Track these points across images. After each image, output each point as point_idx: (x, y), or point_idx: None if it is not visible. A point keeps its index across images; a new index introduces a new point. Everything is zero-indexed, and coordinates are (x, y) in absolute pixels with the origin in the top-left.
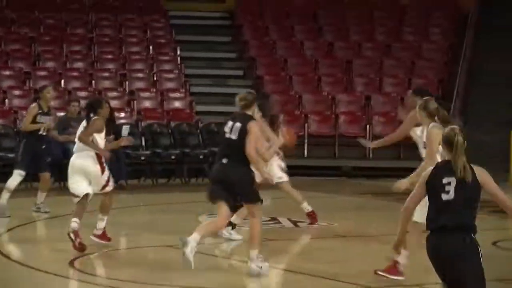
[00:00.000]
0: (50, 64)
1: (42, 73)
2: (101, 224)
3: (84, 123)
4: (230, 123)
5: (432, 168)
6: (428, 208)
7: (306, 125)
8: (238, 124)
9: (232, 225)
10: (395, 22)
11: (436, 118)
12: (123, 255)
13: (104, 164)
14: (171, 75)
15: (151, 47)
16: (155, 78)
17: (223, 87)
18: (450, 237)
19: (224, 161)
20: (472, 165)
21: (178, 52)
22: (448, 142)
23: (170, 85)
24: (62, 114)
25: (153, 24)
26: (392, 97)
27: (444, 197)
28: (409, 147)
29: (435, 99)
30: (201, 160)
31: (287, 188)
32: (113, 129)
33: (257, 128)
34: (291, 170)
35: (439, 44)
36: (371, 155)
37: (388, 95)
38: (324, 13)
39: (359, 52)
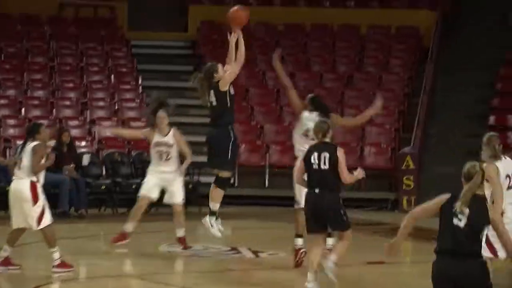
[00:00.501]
0: (10, 92)
1: (2, 101)
2: (56, 255)
3: (25, 149)
4: (315, 154)
5: (449, 194)
6: (439, 233)
7: (267, 155)
8: (326, 154)
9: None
10: (357, 53)
11: None
12: (83, 284)
13: (39, 196)
14: (132, 104)
15: (112, 76)
16: (116, 107)
17: (185, 116)
18: (461, 262)
19: (317, 190)
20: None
21: (140, 81)
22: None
23: (131, 114)
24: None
25: (115, 53)
26: (353, 127)
27: (456, 222)
28: (370, 178)
29: None
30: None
31: None
32: (74, 158)
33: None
34: (252, 200)
35: (399, 76)
36: None
37: None
38: (286, 43)
39: (320, 83)
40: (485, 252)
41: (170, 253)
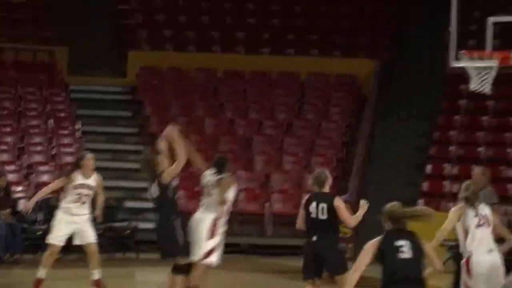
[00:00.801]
0: None
1: None
2: None
3: None
4: (313, 203)
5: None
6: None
7: None
8: (323, 205)
9: None
10: (296, 100)
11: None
12: None
13: None
14: (70, 149)
15: (51, 121)
16: (54, 152)
17: (123, 162)
18: None
19: (315, 238)
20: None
21: (79, 126)
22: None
23: (69, 159)
24: None
25: (54, 97)
26: (291, 174)
27: (401, 256)
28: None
29: None
30: (98, 235)
31: None
32: (9, 203)
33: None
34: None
35: (338, 124)
36: (269, 232)
37: (288, 172)
38: (225, 90)
39: (259, 130)
40: None
41: None
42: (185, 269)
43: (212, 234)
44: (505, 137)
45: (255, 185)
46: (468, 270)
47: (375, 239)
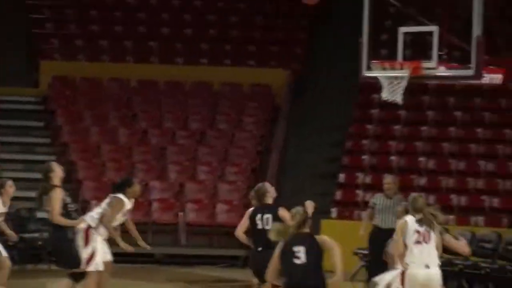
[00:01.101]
0: None
1: None
2: None
3: None
4: (259, 215)
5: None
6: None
7: None
8: (268, 215)
9: None
10: (209, 110)
11: None
12: None
13: None
14: None
15: None
16: None
17: (35, 172)
18: None
19: (260, 249)
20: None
21: None
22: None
23: None
24: None
25: None
26: (205, 184)
27: (296, 261)
28: (222, 235)
29: None
30: (9, 246)
31: None
32: None
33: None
34: None
35: (252, 133)
36: (184, 242)
37: (202, 182)
38: (139, 100)
39: (173, 139)
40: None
41: None
42: (80, 277)
43: (86, 242)
44: (416, 146)
45: (169, 195)
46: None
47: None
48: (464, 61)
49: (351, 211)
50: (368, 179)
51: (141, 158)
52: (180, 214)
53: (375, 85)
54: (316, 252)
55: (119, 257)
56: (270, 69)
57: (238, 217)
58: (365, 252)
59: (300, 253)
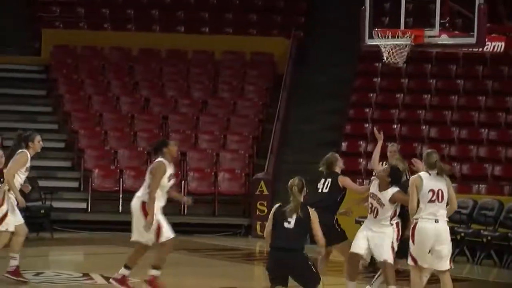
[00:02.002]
0: None
1: None
2: None
3: None
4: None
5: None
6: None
7: (121, 180)
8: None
9: None
10: (211, 79)
11: None
12: None
13: None
14: None
15: None
16: None
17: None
18: (290, 254)
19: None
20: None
21: None
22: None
23: None
24: None
25: None
26: (207, 153)
27: (286, 225)
28: (224, 204)
29: None
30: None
31: None
32: None
33: None
34: (107, 225)
35: (254, 102)
36: (185, 211)
37: (204, 151)
38: (140, 68)
39: (175, 108)
40: (409, 261)
41: (16, 280)
42: None
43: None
44: (419, 114)
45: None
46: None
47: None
48: (466, 29)
49: (353, 180)
50: (370, 148)
51: (143, 126)
52: (182, 183)
53: (377, 54)
54: (305, 221)
55: (121, 225)
56: (272, 38)
57: (239, 186)
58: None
59: (291, 220)
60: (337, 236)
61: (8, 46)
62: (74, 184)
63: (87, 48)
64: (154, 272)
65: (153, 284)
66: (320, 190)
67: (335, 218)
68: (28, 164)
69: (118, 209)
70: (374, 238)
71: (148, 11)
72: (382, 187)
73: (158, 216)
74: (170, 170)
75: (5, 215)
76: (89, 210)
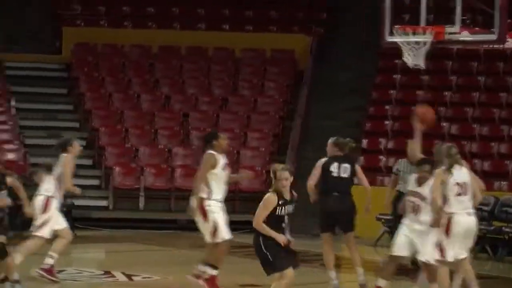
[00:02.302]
0: None
1: None
2: None
3: None
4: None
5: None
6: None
7: (142, 178)
8: (346, 165)
9: None
10: (231, 76)
11: None
12: None
13: None
14: (5, 127)
15: None
16: None
17: (58, 139)
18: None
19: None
20: None
21: (13, 103)
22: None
23: (3, 136)
24: None
25: None
26: (228, 150)
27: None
28: (243, 201)
29: None
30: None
31: None
32: None
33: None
34: (126, 223)
35: (274, 99)
36: None
37: None
38: (161, 66)
39: (195, 106)
40: (436, 255)
41: (42, 278)
42: None
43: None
44: (440, 111)
45: (191, 161)
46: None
47: None
48: (487, 26)
49: (373, 177)
50: (390, 144)
51: (164, 124)
52: None
53: (397, 51)
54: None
55: (142, 223)
56: (293, 34)
57: (260, 183)
58: (388, 217)
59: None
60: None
61: (30, 44)
62: (96, 182)
63: (107, 46)
64: (212, 271)
65: (211, 284)
66: (336, 174)
67: None
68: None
69: (138, 207)
70: (417, 237)
71: (168, 8)
72: (422, 182)
73: (216, 215)
74: (222, 161)
75: (46, 221)
76: (110, 207)
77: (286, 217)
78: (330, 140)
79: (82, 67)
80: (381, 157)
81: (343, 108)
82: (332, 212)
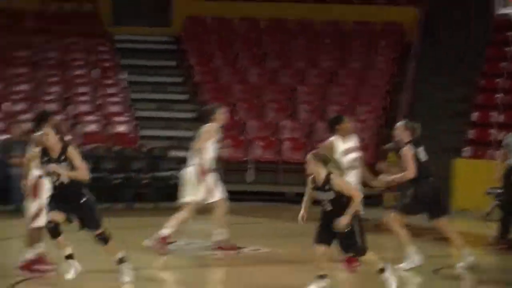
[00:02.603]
0: None
1: None
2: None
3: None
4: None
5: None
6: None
7: (250, 150)
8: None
9: None
10: (340, 49)
11: None
12: (63, 281)
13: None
14: (115, 99)
15: (96, 71)
16: (99, 102)
17: (168, 111)
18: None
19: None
20: None
21: (124, 76)
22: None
23: (114, 109)
24: (5, 136)
25: (98, 47)
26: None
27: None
28: None
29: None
30: (144, 185)
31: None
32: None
33: None
34: (234, 196)
35: (383, 72)
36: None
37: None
38: (269, 40)
39: (303, 79)
40: None
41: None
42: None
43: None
44: None
45: (299, 134)
46: None
47: None
48: None
49: (484, 150)
50: (501, 118)
51: (272, 97)
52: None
53: (510, 23)
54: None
55: (248, 195)
56: (401, 7)
57: (369, 156)
58: (499, 191)
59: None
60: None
61: (139, 17)
62: None
63: (217, 19)
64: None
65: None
66: (423, 159)
67: None
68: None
69: (245, 180)
70: None
71: None
72: None
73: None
74: (347, 144)
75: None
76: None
77: None
78: (401, 124)
79: (191, 40)
80: (491, 130)
81: (452, 81)
82: (430, 197)
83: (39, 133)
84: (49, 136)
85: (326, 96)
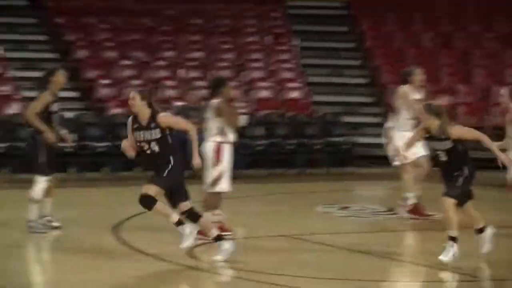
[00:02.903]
0: (168, 54)
1: (160, 63)
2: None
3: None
4: None
5: None
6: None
7: None
8: None
9: None
10: None
11: None
12: (240, 244)
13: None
14: (288, 65)
15: (269, 37)
16: (272, 68)
17: (339, 77)
18: None
19: None
20: None
21: (296, 42)
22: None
23: (287, 75)
24: (180, 103)
25: (271, 14)
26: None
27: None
28: None
29: None
30: (316, 150)
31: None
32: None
33: None
34: None
35: None
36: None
37: (509, 85)
38: (443, 2)
39: (477, 43)
40: None
41: (326, 214)
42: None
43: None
44: None
45: (474, 98)
46: None
47: None
48: None
49: None
50: None
51: (445, 61)
52: (486, 117)
53: None
54: None
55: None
56: None
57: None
58: None
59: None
60: None
61: None
62: (377, 120)
63: None
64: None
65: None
66: None
67: None
68: None
69: None
70: None
71: None
72: None
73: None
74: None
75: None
76: None
77: None
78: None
79: (362, 6)
80: None
81: None
82: None
83: (215, 100)
84: (135, 101)
85: (502, 59)
